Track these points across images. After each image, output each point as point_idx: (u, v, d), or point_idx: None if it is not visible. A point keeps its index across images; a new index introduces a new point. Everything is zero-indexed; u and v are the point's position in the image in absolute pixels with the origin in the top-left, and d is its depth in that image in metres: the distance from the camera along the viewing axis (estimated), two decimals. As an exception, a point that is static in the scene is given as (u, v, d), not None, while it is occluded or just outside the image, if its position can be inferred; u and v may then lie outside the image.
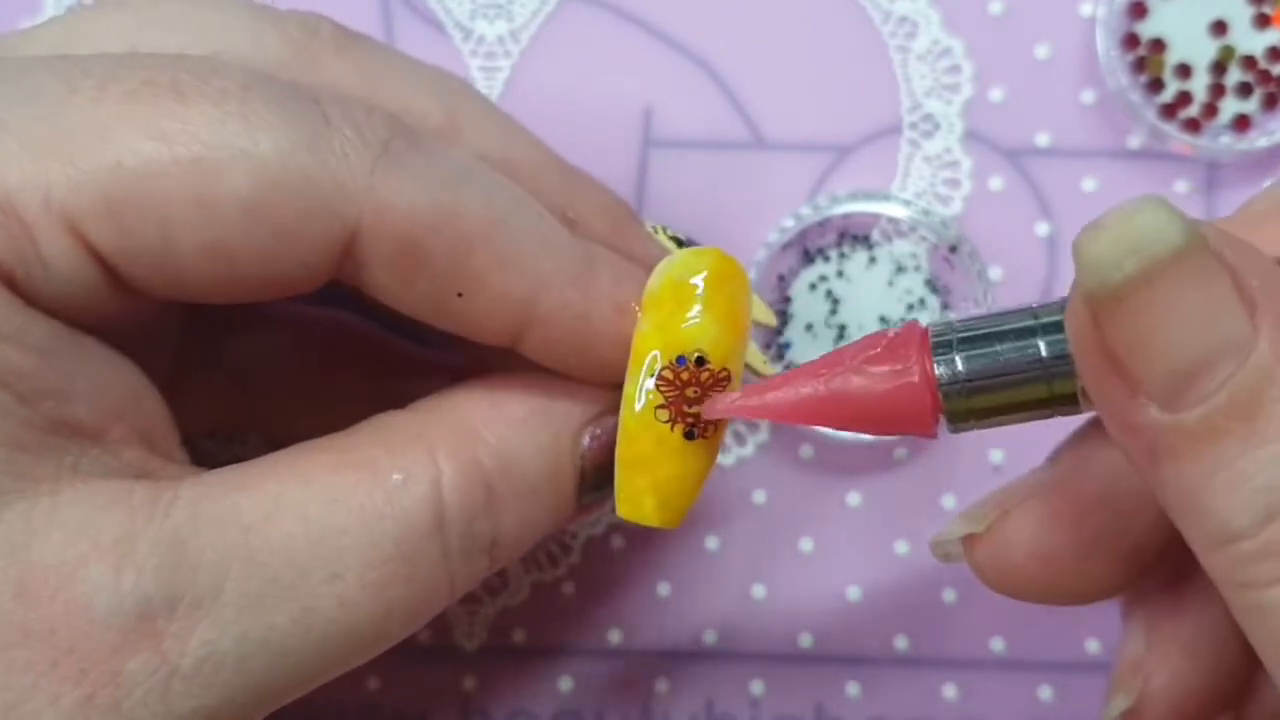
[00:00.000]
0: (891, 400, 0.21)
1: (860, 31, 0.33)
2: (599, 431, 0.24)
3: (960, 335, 0.21)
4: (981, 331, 0.21)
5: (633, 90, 0.33)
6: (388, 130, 0.21)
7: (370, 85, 0.24)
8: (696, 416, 0.22)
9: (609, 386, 0.23)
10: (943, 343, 0.21)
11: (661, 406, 0.22)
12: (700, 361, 0.22)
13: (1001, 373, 0.21)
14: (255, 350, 0.29)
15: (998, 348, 0.21)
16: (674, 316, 0.22)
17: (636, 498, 0.23)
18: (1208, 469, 0.18)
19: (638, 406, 0.22)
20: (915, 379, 0.21)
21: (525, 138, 0.26)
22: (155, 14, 0.23)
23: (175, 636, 0.20)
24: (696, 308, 0.22)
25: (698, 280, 0.23)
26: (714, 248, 0.23)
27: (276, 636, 0.21)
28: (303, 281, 0.22)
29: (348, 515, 0.21)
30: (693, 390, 0.22)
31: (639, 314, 0.23)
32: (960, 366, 0.21)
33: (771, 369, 0.27)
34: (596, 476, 0.24)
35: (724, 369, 0.22)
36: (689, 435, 0.22)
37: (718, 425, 0.23)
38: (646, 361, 0.22)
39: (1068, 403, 0.21)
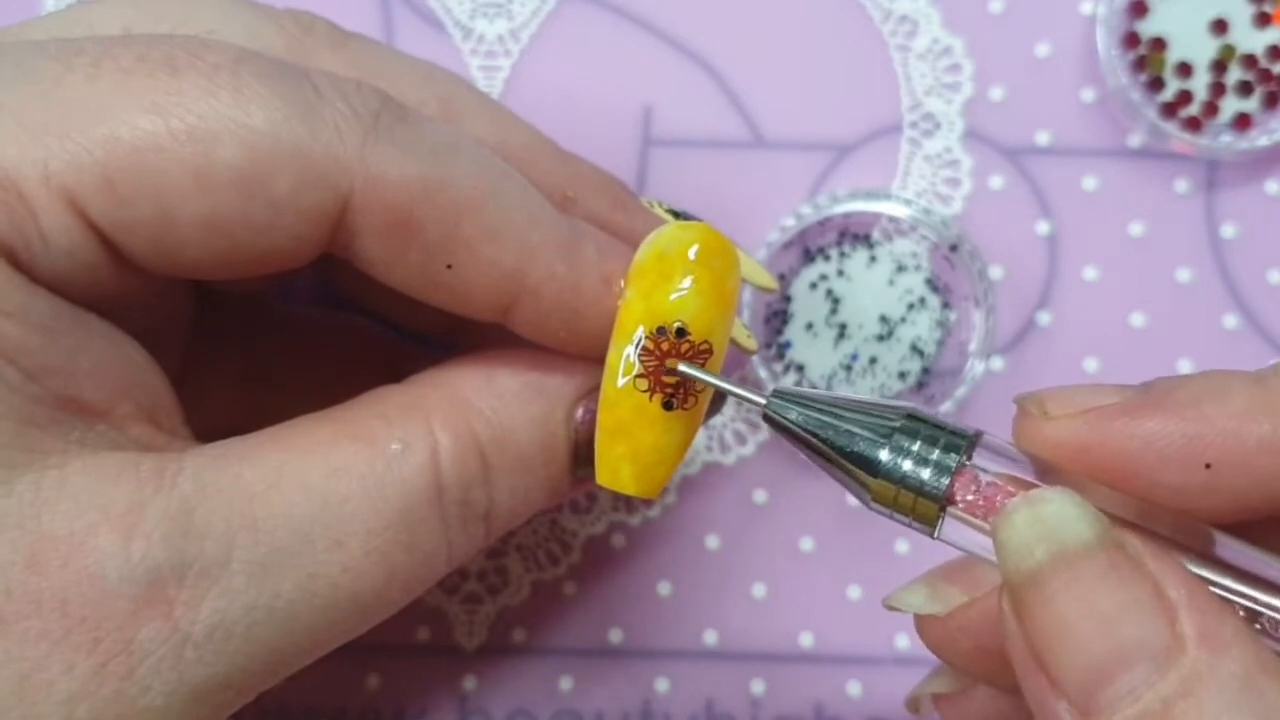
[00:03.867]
0: None
1: (860, 30, 0.33)
2: (592, 406, 0.24)
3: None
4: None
5: (633, 90, 0.33)
6: (378, 103, 0.22)
7: (365, 77, 0.24)
8: (675, 387, 0.23)
9: (600, 362, 0.24)
10: None
11: (641, 375, 0.22)
12: (681, 333, 0.22)
13: None
14: (266, 350, 0.29)
15: None
16: (658, 288, 0.23)
17: (615, 465, 0.23)
18: None
19: (618, 375, 0.23)
20: None
21: (520, 124, 0.27)
22: (151, 6, 0.24)
23: (186, 604, 0.20)
24: (680, 280, 0.23)
25: (683, 253, 0.23)
26: (703, 223, 0.24)
27: (283, 604, 0.21)
28: (296, 255, 0.22)
29: (349, 484, 0.22)
30: (673, 361, 0.22)
31: (624, 287, 0.23)
32: None
33: (753, 343, 0.27)
34: (589, 450, 0.24)
35: (705, 342, 0.23)
36: (668, 405, 0.23)
37: (698, 397, 0.23)
38: (629, 331, 0.23)
39: None
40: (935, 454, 0.21)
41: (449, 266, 0.22)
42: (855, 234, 0.32)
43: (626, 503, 0.32)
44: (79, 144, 0.20)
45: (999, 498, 0.20)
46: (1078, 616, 0.18)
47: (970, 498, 0.21)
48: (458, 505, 0.23)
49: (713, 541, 0.32)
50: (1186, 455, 0.20)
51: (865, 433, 0.21)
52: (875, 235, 0.32)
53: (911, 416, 0.21)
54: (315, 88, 0.21)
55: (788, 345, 0.32)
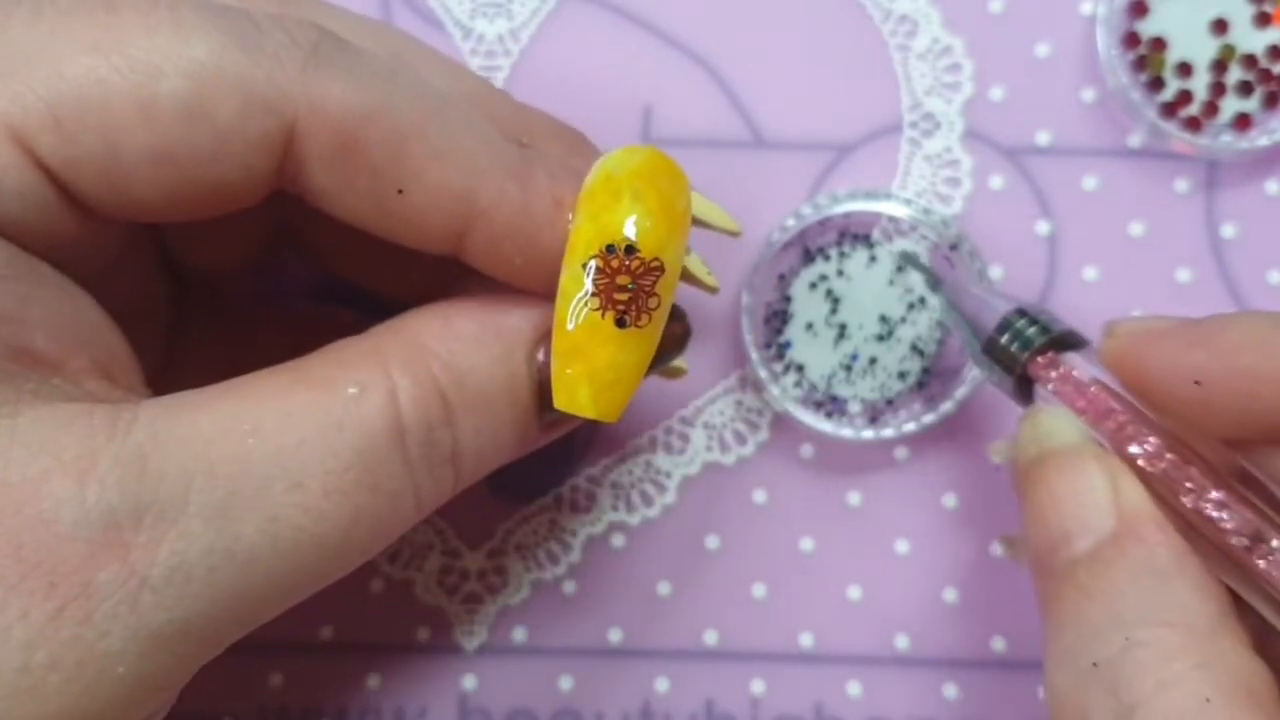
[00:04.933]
0: None
1: (860, 30, 0.33)
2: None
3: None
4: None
5: (633, 89, 0.33)
6: (316, 34, 0.22)
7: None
8: (627, 304, 0.22)
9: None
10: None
11: (593, 294, 0.22)
12: (630, 250, 0.22)
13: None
14: (254, 346, 0.29)
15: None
16: (605, 208, 0.23)
17: (571, 387, 0.23)
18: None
19: (570, 296, 0.23)
20: None
21: (472, 75, 0.27)
22: None
23: (143, 548, 0.20)
24: (627, 199, 0.23)
25: (630, 173, 0.23)
26: (650, 146, 0.24)
27: (244, 546, 0.21)
28: (247, 190, 0.22)
29: (305, 427, 0.21)
30: (624, 278, 0.22)
31: (575, 214, 0.23)
32: None
33: (714, 280, 0.26)
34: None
35: (656, 259, 0.22)
36: (620, 323, 0.22)
37: (651, 315, 0.23)
38: (579, 252, 0.23)
39: None
40: (1039, 339, 0.26)
41: (399, 192, 0.22)
42: (855, 234, 0.32)
43: (626, 503, 0.32)
44: (24, 84, 0.20)
45: (1072, 395, 0.25)
46: (1046, 499, 0.24)
47: (1051, 386, 0.25)
48: (421, 446, 0.23)
49: (713, 541, 0.32)
50: (1183, 373, 0.24)
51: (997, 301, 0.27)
52: (875, 235, 0.32)
53: (1024, 311, 0.26)
54: (253, 20, 0.22)
55: (788, 345, 0.32)
